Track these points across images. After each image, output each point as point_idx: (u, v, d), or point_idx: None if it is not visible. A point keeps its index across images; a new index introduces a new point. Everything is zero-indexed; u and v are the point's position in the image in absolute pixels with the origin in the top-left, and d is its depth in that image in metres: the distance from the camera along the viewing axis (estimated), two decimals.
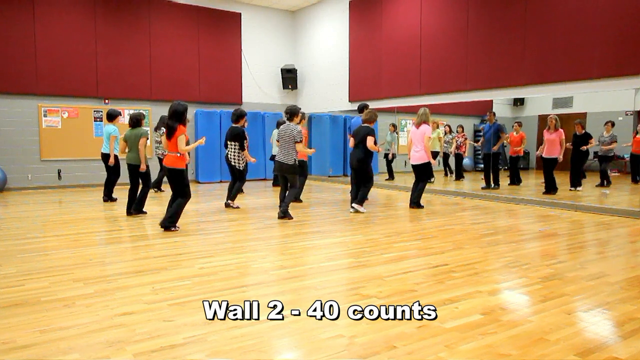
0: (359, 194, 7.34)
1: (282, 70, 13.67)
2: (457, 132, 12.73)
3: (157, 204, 8.25)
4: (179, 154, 5.79)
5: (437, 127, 11.93)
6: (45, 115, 10.67)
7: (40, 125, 10.63)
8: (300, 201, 8.56)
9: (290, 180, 6.87)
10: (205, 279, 3.87)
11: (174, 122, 5.74)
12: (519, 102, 15.63)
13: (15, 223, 6.47)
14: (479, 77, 9.24)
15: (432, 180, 11.39)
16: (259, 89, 13.58)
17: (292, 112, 6.80)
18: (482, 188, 10.10)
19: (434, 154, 11.88)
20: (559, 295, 3.53)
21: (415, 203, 7.73)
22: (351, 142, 7.47)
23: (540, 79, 8.34)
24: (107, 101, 11.25)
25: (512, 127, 11.22)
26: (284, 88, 13.84)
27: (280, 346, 2.67)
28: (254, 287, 3.71)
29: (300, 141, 6.73)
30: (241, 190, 8.67)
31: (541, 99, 14.75)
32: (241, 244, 5.23)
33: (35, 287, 3.65)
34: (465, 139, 12.49)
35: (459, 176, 12.60)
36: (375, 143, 7.22)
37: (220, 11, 12.71)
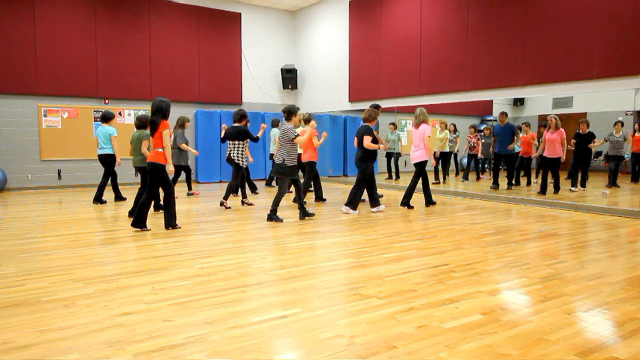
0: (351, 194, 7.29)
1: (282, 70, 13.66)
2: (469, 132, 12.68)
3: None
4: (160, 150, 5.78)
5: (446, 127, 11.92)
6: (45, 115, 10.67)
7: (40, 125, 10.63)
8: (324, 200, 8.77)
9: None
10: (205, 279, 3.87)
11: (158, 117, 5.75)
12: (519, 102, 15.65)
13: (15, 223, 6.47)
14: (479, 77, 9.23)
15: (439, 181, 11.44)
16: (259, 89, 13.58)
17: (290, 112, 6.73)
18: (491, 187, 10.17)
19: (446, 155, 11.93)
20: (559, 295, 3.53)
21: (405, 203, 7.80)
22: (355, 141, 7.59)
23: (540, 79, 8.34)
24: (107, 101, 11.25)
25: (520, 128, 11.27)
26: (284, 88, 13.84)
27: (280, 346, 2.67)
28: (254, 287, 3.71)
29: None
30: (235, 191, 8.68)
31: (541, 99, 14.76)
32: (241, 244, 5.24)
33: (35, 287, 3.65)
34: (478, 139, 12.35)
35: (477, 177, 12.75)
36: (375, 142, 7.24)
37: (220, 11, 12.71)
